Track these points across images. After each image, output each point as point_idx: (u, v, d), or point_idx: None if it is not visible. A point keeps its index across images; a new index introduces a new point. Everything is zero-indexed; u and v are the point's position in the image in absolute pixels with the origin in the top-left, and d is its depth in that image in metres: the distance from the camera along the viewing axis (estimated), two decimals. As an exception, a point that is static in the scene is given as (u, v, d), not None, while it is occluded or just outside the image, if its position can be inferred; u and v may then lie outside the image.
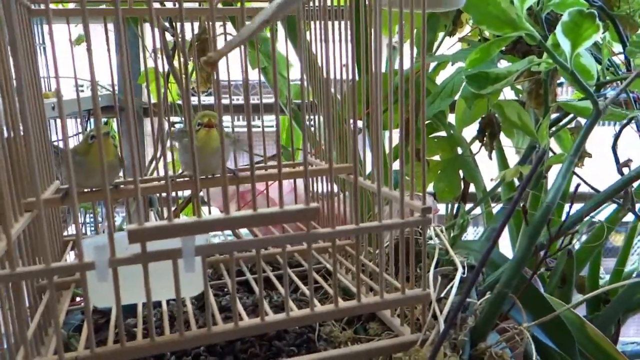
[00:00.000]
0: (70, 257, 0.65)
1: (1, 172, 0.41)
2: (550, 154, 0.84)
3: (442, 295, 0.53)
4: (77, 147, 0.56)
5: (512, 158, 1.03)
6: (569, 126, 0.91)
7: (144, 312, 0.52)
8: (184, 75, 0.50)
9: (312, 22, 0.67)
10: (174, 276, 0.41)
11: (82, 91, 0.81)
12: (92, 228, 1.09)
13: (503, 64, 0.83)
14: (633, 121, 0.73)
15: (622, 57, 0.79)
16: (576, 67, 0.61)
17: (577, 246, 0.94)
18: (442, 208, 0.97)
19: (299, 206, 0.43)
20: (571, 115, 0.88)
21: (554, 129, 0.88)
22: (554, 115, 0.88)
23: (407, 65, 0.49)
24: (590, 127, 0.54)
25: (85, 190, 0.57)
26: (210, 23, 0.67)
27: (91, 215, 1.03)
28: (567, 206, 0.55)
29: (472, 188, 0.99)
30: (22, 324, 0.39)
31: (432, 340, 0.48)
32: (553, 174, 0.87)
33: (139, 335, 0.45)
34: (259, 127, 0.78)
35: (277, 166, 0.53)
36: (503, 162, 1.03)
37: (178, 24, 0.77)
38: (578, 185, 0.52)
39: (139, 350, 0.41)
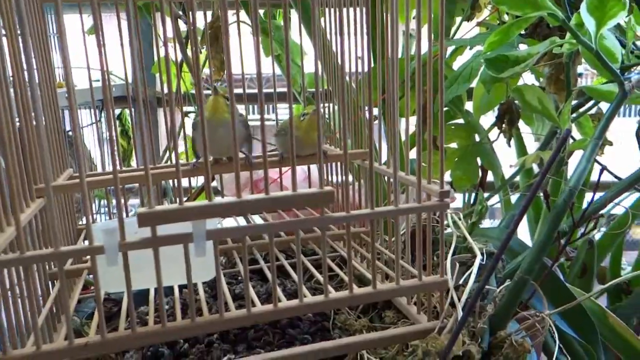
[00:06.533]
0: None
1: (10, 156, 0.41)
2: (571, 140, 0.81)
3: (460, 282, 0.52)
4: (284, 125, 0.61)
5: (530, 146, 1.01)
6: (589, 113, 0.89)
7: (156, 299, 0.51)
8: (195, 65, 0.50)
9: (327, 9, 0.66)
10: (185, 261, 0.40)
11: (98, 80, 0.80)
12: (107, 217, 1.09)
13: (522, 49, 0.80)
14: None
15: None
16: (600, 49, 0.58)
17: (597, 237, 0.92)
18: (459, 198, 0.95)
19: (313, 190, 0.42)
20: (591, 103, 0.86)
21: (574, 115, 0.85)
22: (574, 102, 0.85)
23: (424, 50, 0.47)
24: (616, 108, 0.52)
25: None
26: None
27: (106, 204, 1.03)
28: (588, 194, 0.53)
29: (489, 177, 0.97)
30: (33, 309, 0.39)
31: (450, 328, 0.46)
32: (573, 162, 0.85)
33: (150, 321, 0.45)
34: (272, 120, 0.77)
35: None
36: (521, 150, 1.00)
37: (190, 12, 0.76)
38: (603, 169, 0.50)
39: (150, 336, 0.41)
